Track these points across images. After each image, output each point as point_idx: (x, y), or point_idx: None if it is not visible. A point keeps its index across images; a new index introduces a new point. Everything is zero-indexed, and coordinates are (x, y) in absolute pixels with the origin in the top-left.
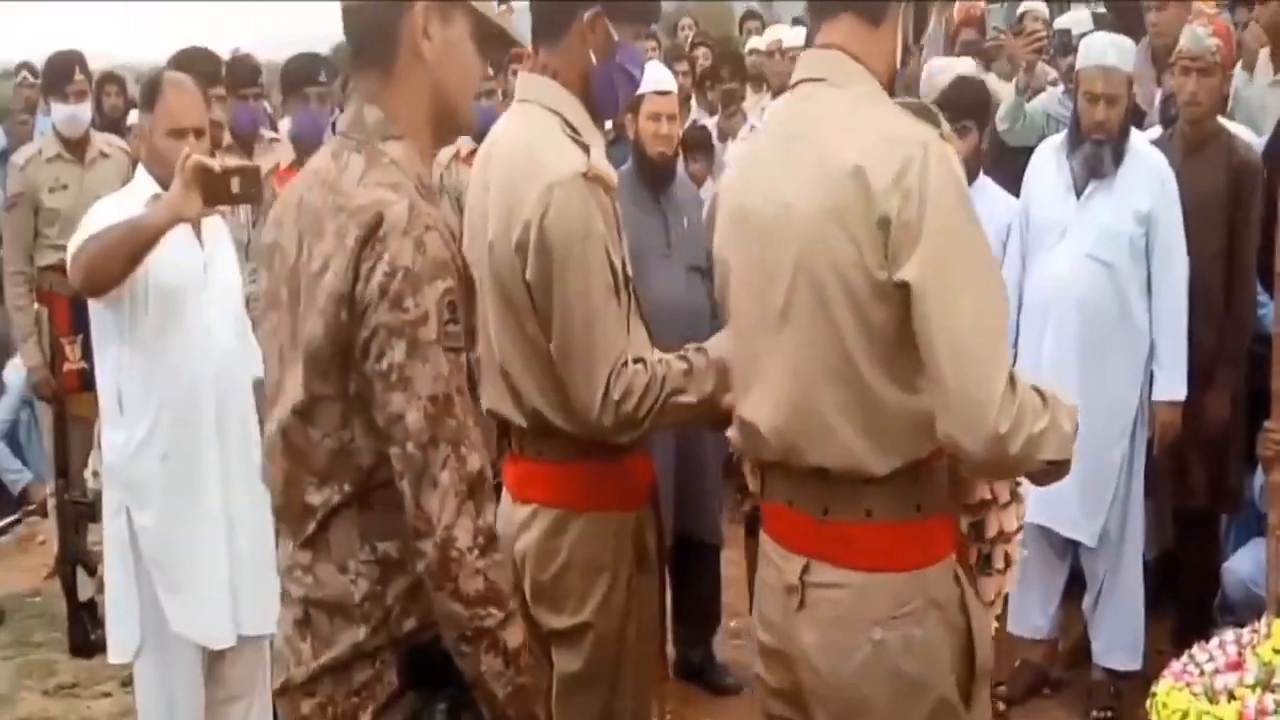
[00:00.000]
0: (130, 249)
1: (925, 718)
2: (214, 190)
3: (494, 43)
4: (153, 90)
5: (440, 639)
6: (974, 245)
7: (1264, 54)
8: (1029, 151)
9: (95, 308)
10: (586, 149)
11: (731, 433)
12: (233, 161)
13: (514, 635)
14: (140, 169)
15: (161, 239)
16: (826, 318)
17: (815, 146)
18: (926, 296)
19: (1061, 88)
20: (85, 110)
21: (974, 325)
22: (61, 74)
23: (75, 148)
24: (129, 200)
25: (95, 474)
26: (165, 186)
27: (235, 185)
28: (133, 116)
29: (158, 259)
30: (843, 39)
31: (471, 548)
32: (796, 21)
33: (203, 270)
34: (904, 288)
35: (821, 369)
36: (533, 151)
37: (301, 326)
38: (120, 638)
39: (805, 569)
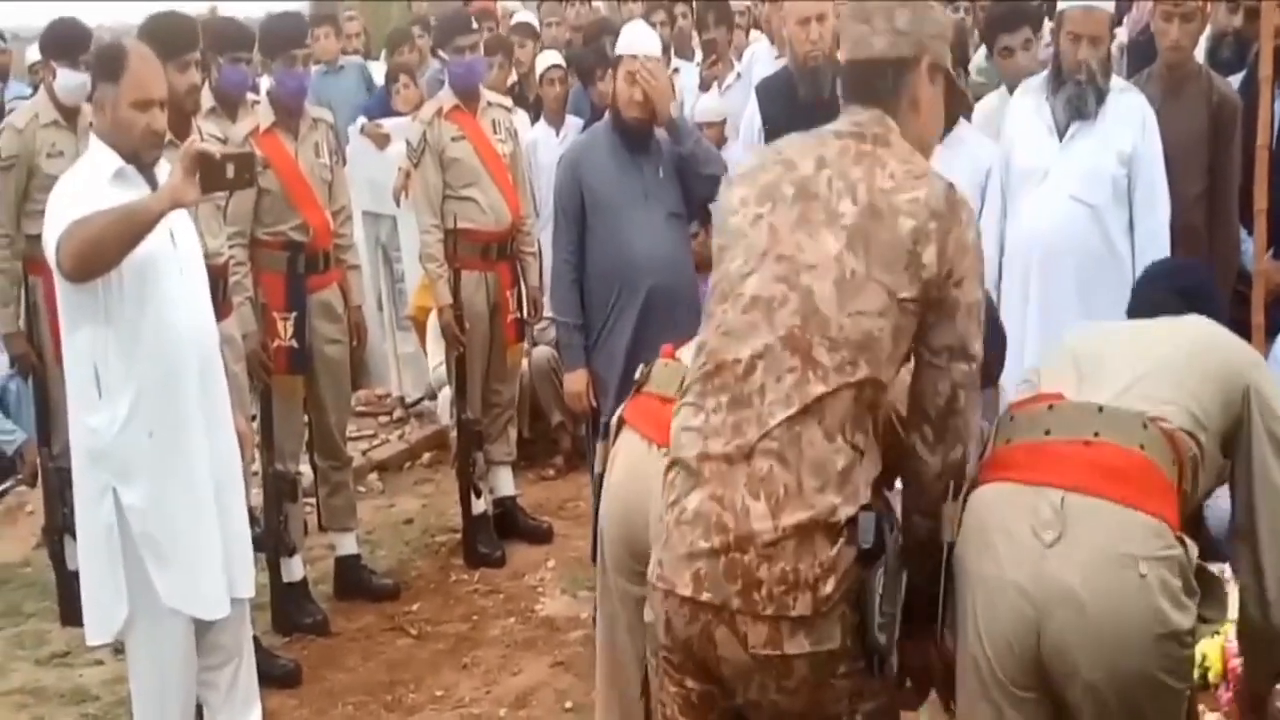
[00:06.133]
0: (125, 236)
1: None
2: (212, 177)
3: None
4: (117, 60)
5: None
6: None
7: None
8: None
9: (64, 289)
10: None
11: None
12: (229, 148)
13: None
14: (94, 141)
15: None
16: None
17: None
18: None
19: None
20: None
21: None
22: (78, 40)
23: (70, 115)
24: (92, 176)
25: None
26: (127, 158)
27: (230, 171)
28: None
29: None
30: None
31: None
32: None
33: (170, 238)
34: None
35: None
36: None
37: (871, 233)
38: (98, 619)
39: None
